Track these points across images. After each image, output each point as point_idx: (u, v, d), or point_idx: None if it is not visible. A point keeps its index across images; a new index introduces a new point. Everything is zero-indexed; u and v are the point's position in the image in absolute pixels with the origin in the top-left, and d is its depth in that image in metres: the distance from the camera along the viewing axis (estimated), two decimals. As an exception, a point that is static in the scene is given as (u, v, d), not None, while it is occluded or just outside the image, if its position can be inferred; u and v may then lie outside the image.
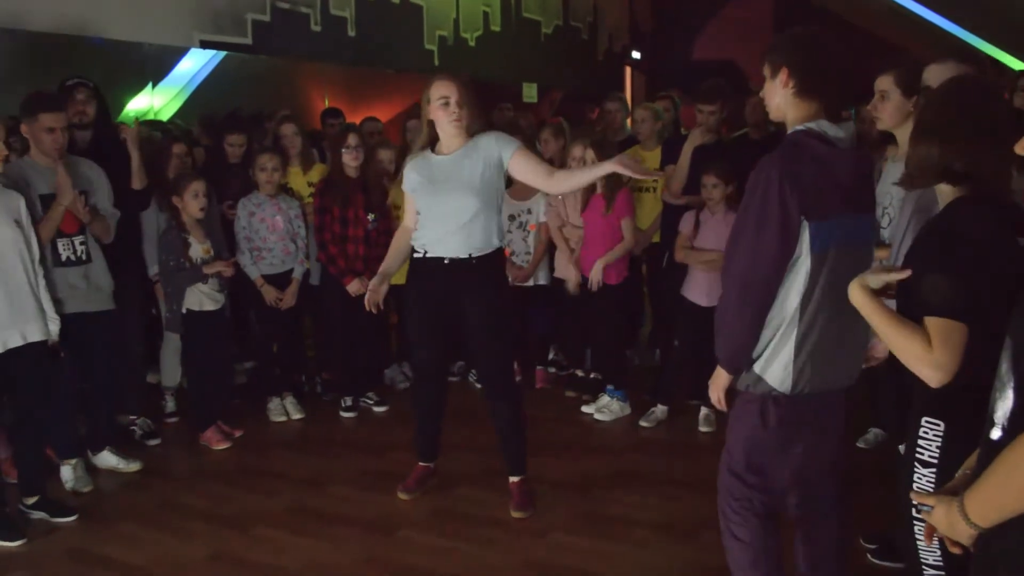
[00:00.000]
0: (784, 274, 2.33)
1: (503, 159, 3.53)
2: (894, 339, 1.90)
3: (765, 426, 2.45)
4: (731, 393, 2.55)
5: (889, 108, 3.09)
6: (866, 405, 4.39)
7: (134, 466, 4.24)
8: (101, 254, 4.09)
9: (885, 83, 3.09)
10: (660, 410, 4.84)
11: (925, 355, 1.83)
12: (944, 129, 1.92)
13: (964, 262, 1.82)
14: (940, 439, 1.95)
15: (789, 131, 2.41)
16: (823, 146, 2.33)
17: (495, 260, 3.69)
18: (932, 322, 1.83)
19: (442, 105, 3.47)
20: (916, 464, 1.99)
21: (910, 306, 1.90)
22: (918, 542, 1.97)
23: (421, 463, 4.02)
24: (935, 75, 2.36)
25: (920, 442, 1.98)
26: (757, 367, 2.42)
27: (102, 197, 4.11)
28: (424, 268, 3.67)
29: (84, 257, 3.98)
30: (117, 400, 4.45)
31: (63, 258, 3.92)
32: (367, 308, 3.72)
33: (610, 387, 4.99)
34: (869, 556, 3.27)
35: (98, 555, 3.44)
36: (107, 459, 4.24)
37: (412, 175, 3.63)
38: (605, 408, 4.92)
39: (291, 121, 5.31)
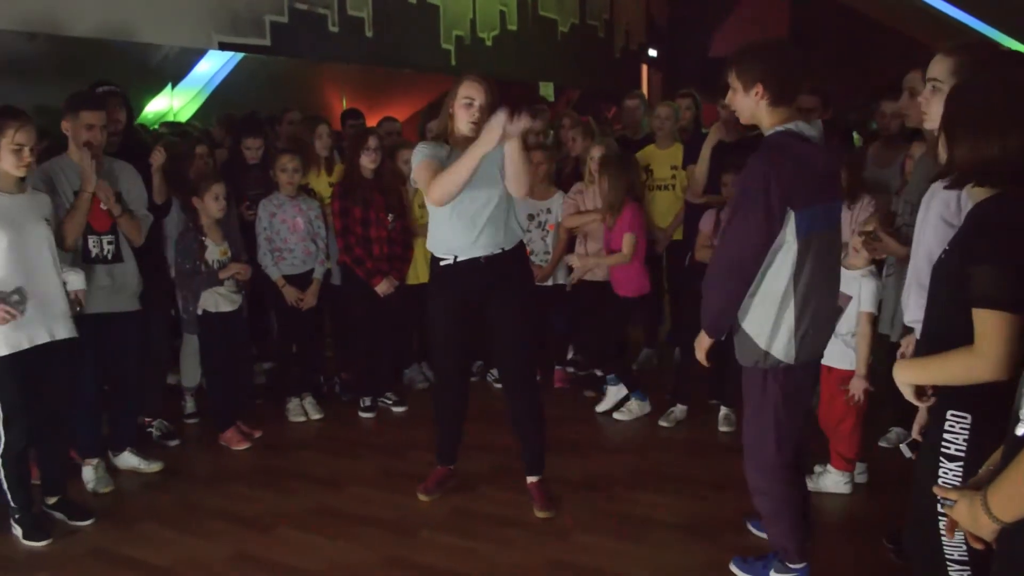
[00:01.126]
0: (765, 257, 2.69)
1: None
2: (945, 372, 1.92)
3: (775, 393, 2.81)
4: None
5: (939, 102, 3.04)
6: (887, 403, 4.36)
7: (155, 467, 4.26)
8: (132, 255, 4.11)
9: (914, 80, 3.04)
10: (679, 410, 4.82)
11: (970, 359, 1.81)
12: (1002, 126, 1.84)
13: (1016, 252, 1.78)
14: (967, 432, 1.93)
15: (767, 133, 2.74)
16: (802, 144, 2.68)
17: (521, 252, 3.72)
18: (983, 315, 1.80)
19: (466, 105, 3.45)
20: (941, 459, 1.97)
21: (956, 300, 1.87)
22: (943, 537, 1.96)
23: (441, 466, 4.01)
24: (946, 68, 2.31)
25: (945, 436, 1.96)
26: (763, 343, 2.77)
27: (136, 198, 4.14)
28: (455, 274, 3.59)
29: (111, 256, 4.00)
30: (140, 401, 4.48)
31: (92, 255, 3.95)
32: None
33: (611, 376, 4.99)
34: (892, 556, 3.24)
35: (121, 556, 3.46)
36: (128, 460, 4.26)
37: (439, 162, 3.45)
38: (625, 408, 4.91)
39: (324, 123, 5.33)
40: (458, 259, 3.57)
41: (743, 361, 2.88)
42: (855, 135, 6.07)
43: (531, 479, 3.87)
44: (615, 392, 4.97)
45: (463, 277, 3.58)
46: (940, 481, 1.98)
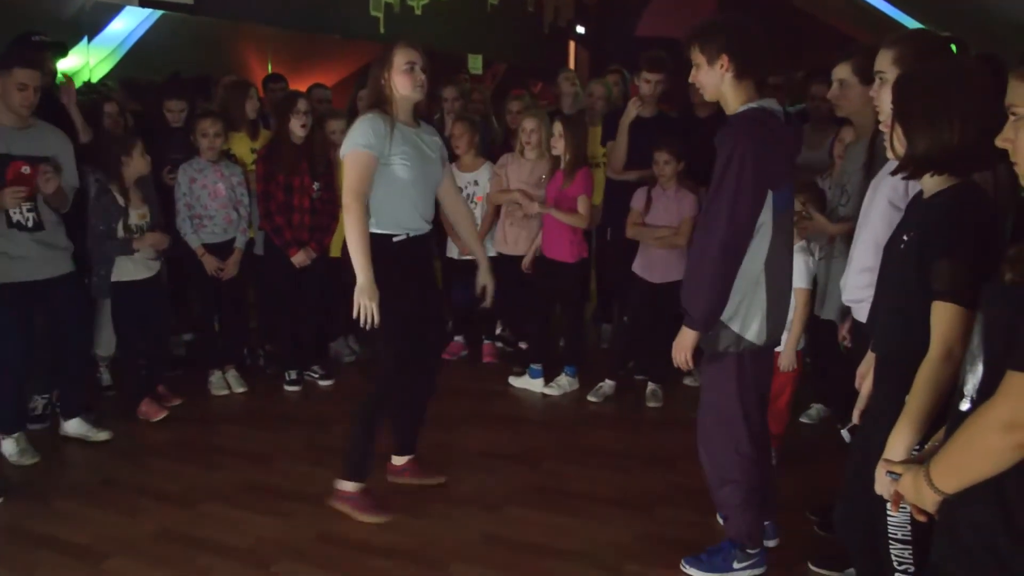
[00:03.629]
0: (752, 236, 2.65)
1: None
2: (922, 402, 1.90)
3: (746, 377, 2.80)
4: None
5: (850, 96, 3.13)
6: (810, 380, 4.49)
7: (103, 435, 4.12)
8: (56, 219, 3.91)
9: (843, 72, 3.13)
10: (608, 385, 4.87)
11: (928, 365, 1.87)
12: (958, 114, 1.87)
13: (976, 247, 1.82)
14: None
15: (738, 110, 2.68)
16: (775, 122, 2.66)
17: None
18: (941, 308, 1.85)
19: (408, 70, 3.29)
20: None
21: (911, 283, 1.92)
22: (888, 516, 2.02)
23: (361, 482, 3.51)
24: (889, 59, 2.38)
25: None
26: (736, 327, 2.73)
27: (67, 164, 3.94)
28: (410, 250, 3.37)
29: (32, 224, 3.80)
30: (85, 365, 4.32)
31: (14, 221, 3.76)
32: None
33: (534, 367, 5.00)
34: (816, 528, 3.35)
35: (38, 533, 3.31)
36: (77, 427, 4.11)
37: (402, 146, 3.28)
38: (555, 383, 4.93)
39: (254, 86, 5.17)
40: (411, 235, 3.40)
41: (713, 348, 2.80)
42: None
43: (407, 458, 3.80)
44: (532, 383, 4.98)
45: (415, 253, 3.42)
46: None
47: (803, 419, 4.47)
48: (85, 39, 6.36)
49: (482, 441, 4.25)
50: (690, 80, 2.77)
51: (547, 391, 4.93)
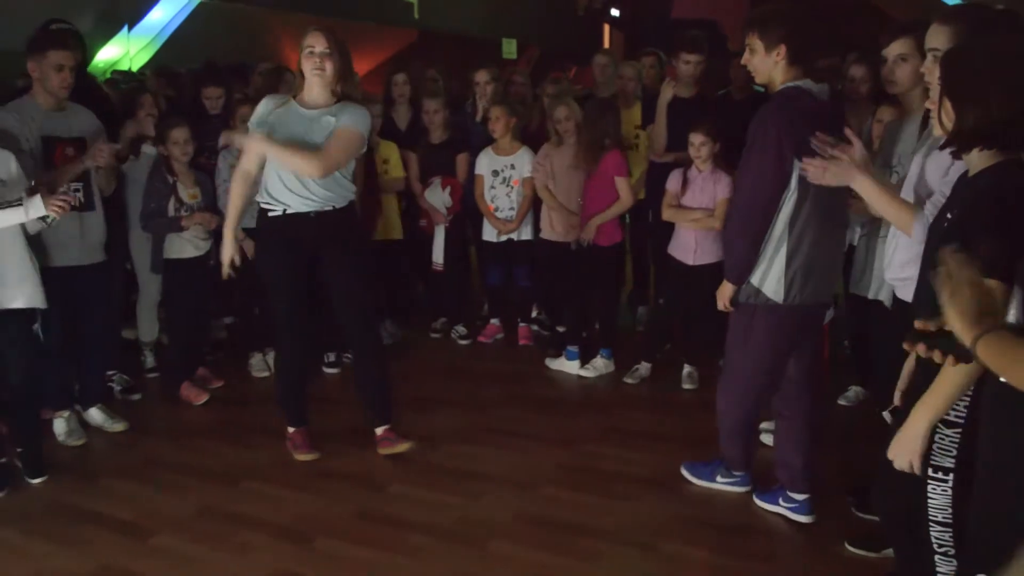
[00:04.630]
0: (780, 200, 2.89)
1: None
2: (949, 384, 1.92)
3: (757, 332, 3.05)
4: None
5: (908, 71, 3.08)
6: (849, 363, 4.46)
7: (119, 426, 4.18)
8: (100, 203, 4.00)
9: (902, 47, 3.06)
10: (644, 367, 4.86)
11: None
12: (1009, 88, 1.83)
13: (1017, 225, 1.79)
14: (968, 398, 1.96)
15: (779, 87, 2.92)
16: (810, 99, 2.88)
17: (352, 212, 3.81)
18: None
19: (308, 54, 3.50)
20: (939, 424, 2.00)
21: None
22: (930, 500, 2.01)
23: (294, 428, 3.96)
24: (944, 35, 2.34)
25: None
26: (755, 280, 3.00)
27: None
28: (284, 225, 3.61)
29: (79, 204, 3.87)
30: (108, 356, 4.39)
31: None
32: (225, 266, 3.67)
33: (570, 349, 5.00)
34: (853, 509, 3.33)
35: (85, 510, 3.41)
36: (95, 417, 4.18)
37: (270, 125, 3.54)
38: (591, 365, 4.94)
39: (290, 71, 5.20)
40: (287, 211, 3.59)
41: (735, 296, 3.08)
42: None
43: (380, 429, 3.92)
44: (568, 365, 4.99)
45: (292, 230, 3.61)
46: (935, 448, 2.01)
47: (841, 401, 4.43)
48: (125, 28, 6.47)
49: (518, 422, 4.28)
50: (742, 62, 3.00)
51: (583, 373, 4.94)
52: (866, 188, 2.46)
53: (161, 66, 6.47)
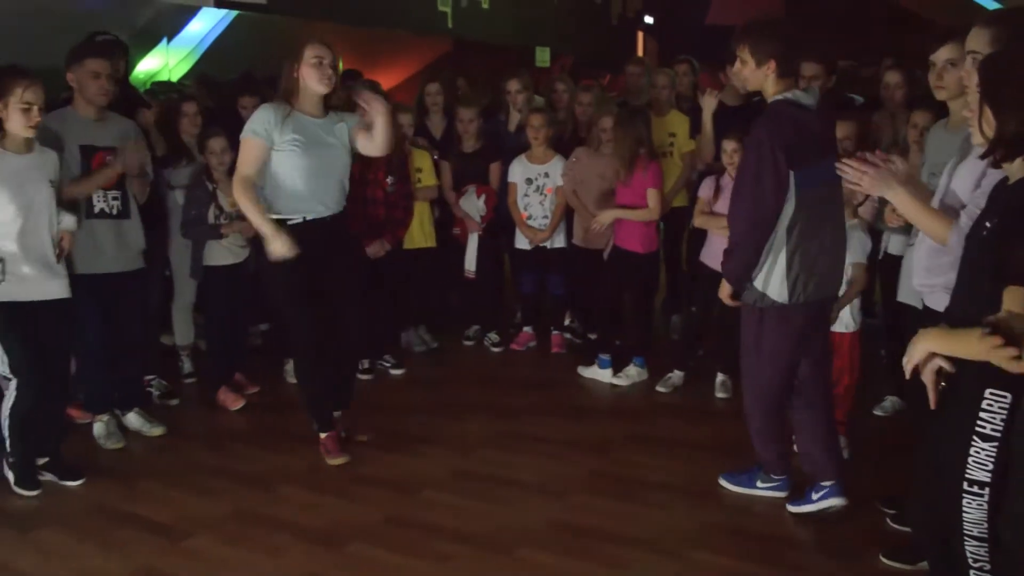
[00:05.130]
0: (781, 211, 3.04)
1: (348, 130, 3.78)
2: (968, 345, 1.82)
3: (768, 332, 3.19)
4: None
5: (957, 77, 3.04)
6: (884, 373, 4.40)
7: (157, 431, 4.25)
8: (137, 212, 4.08)
9: (950, 52, 3.02)
10: (676, 375, 4.85)
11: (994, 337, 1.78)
12: None
13: None
14: (1005, 411, 1.92)
15: (772, 99, 3.10)
16: (798, 111, 3.05)
17: (346, 214, 3.93)
18: (1017, 292, 1.79)
19: (316, 64, 3.59)
20: (975, 438, 1.96)
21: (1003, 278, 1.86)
22: (964, 513, 1.98)
23: (328, 432, 3.97)
24: (985, 39, 2.31)
25: (982, 415, 1.95)
26: (759, 284, 3.14)
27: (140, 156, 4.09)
28: (303, 232, 3.65)
29: (117, 212, 3.97)
30: (145, 361, 4.48)
31: (97, 210, 3.92)
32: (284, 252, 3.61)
33: (603, 357, 4.99)
34: (888, 521, 3.29)
35: (123, 512, 3.47)
36: (132, 421, 4.26)
37: (292, 134, 3.61)
38: (623, 373, 4.93)
39: None
40: (307, 218, 3.68)
41: (743, 300, 3.26)
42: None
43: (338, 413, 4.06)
44: (601, 373, 4.98)
45: (310, 236, 3.67)
46: (971, 461, 1.98)
47: (877, 411, 4.38)
48: (164, 40, 6.59)
49: (549, 429, 4.28)
50: (732, 72, 3.23)
51: (616, 381, 4.93)
52: (902, 200, 2.43)
53: (202, 75, 6.57)
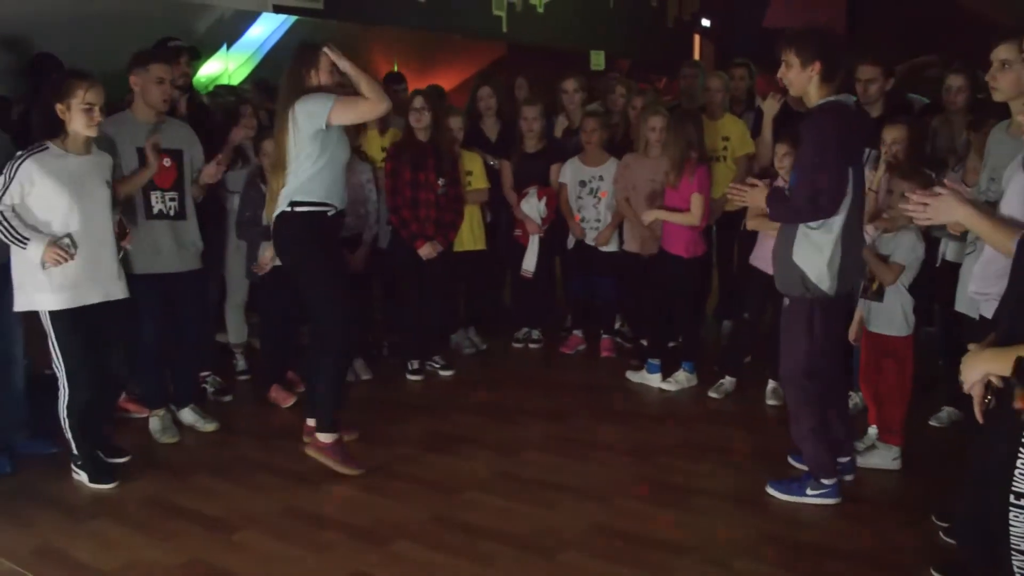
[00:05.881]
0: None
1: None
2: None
3: (816, 322, 3.31)
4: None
5: (1010, 78, 2.97)
6: (941, 384, 4.30)
7: (210, 426, 4.35)
8: (195, 213, 4.19)
9: (1007, 52, 2.94)
10: (728, 381, 4.79)
11: None
12: None
13: None
14: None
15: (819, 102, 3.22)
16: (851, 113, 3.26)
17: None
18: None
19: (331, 72, 3.72)
20: (1022, 450, 1.91)
21: None
22: (1012, 528, 1.93)
23: (338, 435, 3.89)
24: None
25: None
26: (814, 277, 3.24)
27: (198, 161, 4.21)
28: (334, 223, 3.84)
29: (174, 213, 4.07)
30: (200, 359, 4.60)
31: (155, 211, 4.03)
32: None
33: (652, 362, 4.95)
34: (941, 535, 3.21)
35: (175, 505, 3.56)
36: (187, 416, 4.36)
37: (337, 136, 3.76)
38: (672, 379, 4.89)
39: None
40: (337, 208, 3.80)
41: (789, 291, 3.37)
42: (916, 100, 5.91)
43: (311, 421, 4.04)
44: (650, 378, 4.94)
45: (336, 227, 3.87)
46: (1017, 474, 1.93)
47: (933, 422, 4.28)
48: (224, 46, 6.73)
49: (596, 433, 4.28)
50: (778, 75, 3.28)
51: (665, 386, 4.90)
52: (970, 219, 2.35)
53: (262, 79, 6.69)
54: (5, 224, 3.40)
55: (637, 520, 3.40)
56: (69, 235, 3.50)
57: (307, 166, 3.67)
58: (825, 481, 3.46)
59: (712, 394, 4.76)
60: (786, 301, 3.52)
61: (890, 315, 3.73)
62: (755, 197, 3.49)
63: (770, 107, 4.82)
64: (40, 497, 3.62)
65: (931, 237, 3.85)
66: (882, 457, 3.79)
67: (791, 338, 3.41)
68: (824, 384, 3.42)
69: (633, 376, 5.03)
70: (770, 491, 3.57)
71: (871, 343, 3.85)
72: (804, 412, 3.42)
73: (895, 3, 10.41)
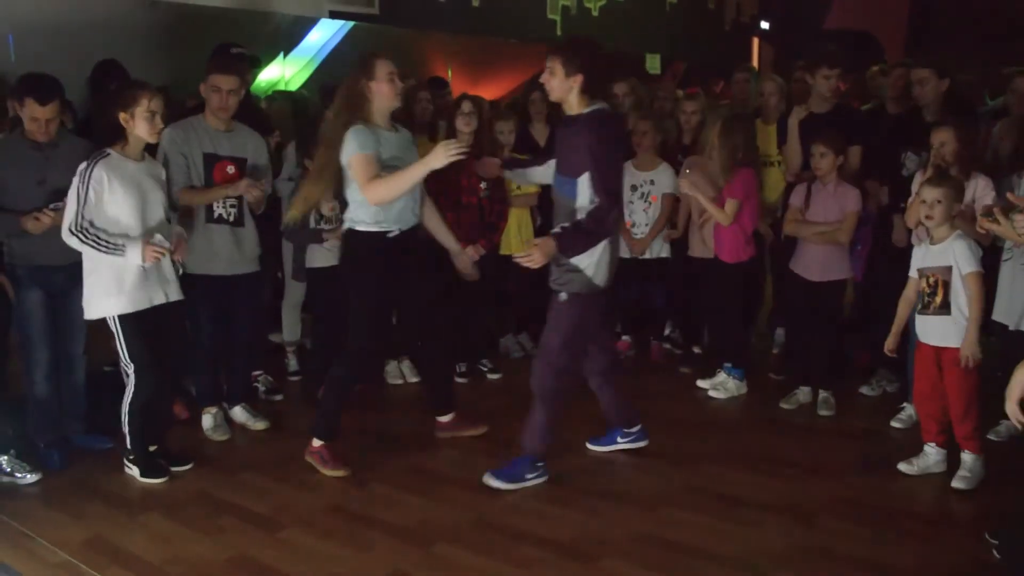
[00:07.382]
0: None
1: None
2: None
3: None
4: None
5: None
6: (1000, 396, 4.16)
7: (261, 424, 4.43)
8: (252, 219, 4.28)
9: None
10: (803, 392, 4.66)
11: None
12: None
13: None
14: None
15: (586, 110, 3.43)
16: (612, 118, 3.65)
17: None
18: None
19: (390, 80, 3.69)
20: None
21: None
22: None
23: (328, 442, 3.94)
24: None
25: None
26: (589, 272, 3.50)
27: (263, 167, 4.29)
28: (397, 246, 3.77)
29: (233, 219, 4.17)
30: (253, 359, 4.69)
31: (215, 215, 4.13)
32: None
33: (727, 365, 4.89)
34: (994, 552, 3.11)
35: (224, 501, 3.63)
36: (239, 415, 4.45)
37: (392, 151, 3.73)
38: (720, 386, 4.84)
39: (426, 88, 5.42)
40: (402, 230, 3.78)
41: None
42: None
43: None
44: (723, 382, 4.88)
45: (404, 248, 3.79)
46: None
47: (991, 436, 4.14)
48: (281, 54, 6.85)
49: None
50: (541, 80, 3.45)
51: (714, 393, 4.84)
52: None
53: (324, 83, 6.79)
54: (95, 237, 3.54)
55: (682, 529, 3.36)
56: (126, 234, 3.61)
57: (355, 188, 3.74)
58: (539, 464, 3.71)
59: (784, 405, 4.65)
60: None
61: (952, 327, 3.62)
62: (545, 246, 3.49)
63: (795, 113, 4.76)
64: (93, 491, 3.73)
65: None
66: (933, 460, 3.78)
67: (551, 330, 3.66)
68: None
69: (697, 381, 4.97)
70: (488, 481, 3.70)
71: (928, 358, 3.73)
72: (537, 407, 3.68)
73: (958, 4, 10.15)
